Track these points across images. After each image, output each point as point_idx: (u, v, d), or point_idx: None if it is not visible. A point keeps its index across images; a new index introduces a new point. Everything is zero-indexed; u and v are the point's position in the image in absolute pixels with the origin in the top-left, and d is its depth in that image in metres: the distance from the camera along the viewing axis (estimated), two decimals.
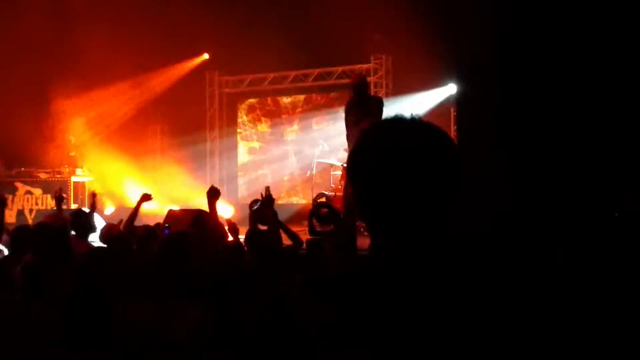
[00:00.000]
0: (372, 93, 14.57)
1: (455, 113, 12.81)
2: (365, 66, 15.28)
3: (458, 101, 11.30)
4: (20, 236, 6.25)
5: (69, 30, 14.10)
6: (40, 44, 14.02)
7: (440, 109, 14.01)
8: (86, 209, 9.46)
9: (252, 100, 17.26)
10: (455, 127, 12.41)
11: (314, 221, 8.27)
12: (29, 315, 4.14)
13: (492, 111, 9.11)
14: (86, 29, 13.76)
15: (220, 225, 8.95)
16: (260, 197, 9.54)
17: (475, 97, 9.64)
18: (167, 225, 8.13)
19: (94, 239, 7.21)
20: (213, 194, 7.02)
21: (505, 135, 8.91)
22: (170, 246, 5.26)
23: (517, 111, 8.84)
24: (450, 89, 13.77)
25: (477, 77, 9.41)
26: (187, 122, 16.63)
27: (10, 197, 14.43)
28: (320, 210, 9.00)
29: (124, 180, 15.95)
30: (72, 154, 15.27)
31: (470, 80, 9.81)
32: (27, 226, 6.89)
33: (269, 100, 17.00)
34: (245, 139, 17.36)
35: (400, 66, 14.62)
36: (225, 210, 15.31)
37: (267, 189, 7.11)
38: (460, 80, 10.45)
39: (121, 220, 7.59)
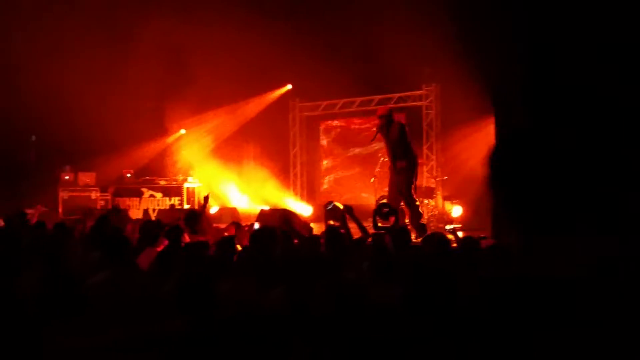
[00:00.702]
0: (423, 116, 14.62)
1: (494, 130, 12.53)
2: (417, 92, 15.18)
3: (496, 127, 11.08)
4: (146, 229, 6.43)
5: (183, 64, 14.36)
6: (160, 77, 14.36)
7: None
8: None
9: (326, 122, 17.31)
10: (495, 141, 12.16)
11: (377, 218, 8.24)
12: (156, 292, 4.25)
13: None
14: (196, 65, 14.01)
15: (303, 222, 9.01)
16: (332, 199, 9.56)
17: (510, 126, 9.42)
18: (255, 222, 8.29)
19: None
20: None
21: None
22: (259, 238, 5.34)
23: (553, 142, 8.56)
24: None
25: (512, 108, 9.18)
26: (274, 139, 16.80)
27: (137, 199, 14.85)
28: (382, 210, 8.96)
29: (225, 185, 16.20)
30: (180, 165, 15.66)
31: (506, 111, 9.59)
32: (151, 221, 7.06)
33: (340, 121, 17.01)
34: (321, 152, 17.40)
35: (448, 92, 14.44)
36: (305, 210, 15.39)
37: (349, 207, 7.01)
38: (497, 111, 10.24)
39: (227, 226, 7.74)
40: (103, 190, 15.64)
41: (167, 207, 14.28)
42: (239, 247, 6.06)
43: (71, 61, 13.92)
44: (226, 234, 7.08)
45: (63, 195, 15.01)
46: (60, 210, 14.63)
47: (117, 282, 4.33)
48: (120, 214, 7.86)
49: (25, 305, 3.32)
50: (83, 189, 15.38)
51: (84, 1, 13.96)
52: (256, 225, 8.20)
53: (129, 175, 15.91)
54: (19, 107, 14.17)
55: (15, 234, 5.57)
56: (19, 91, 14.08)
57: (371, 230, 7.76)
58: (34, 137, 16.37)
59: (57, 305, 4.19)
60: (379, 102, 15.78)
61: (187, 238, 6.11)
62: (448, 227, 9.27)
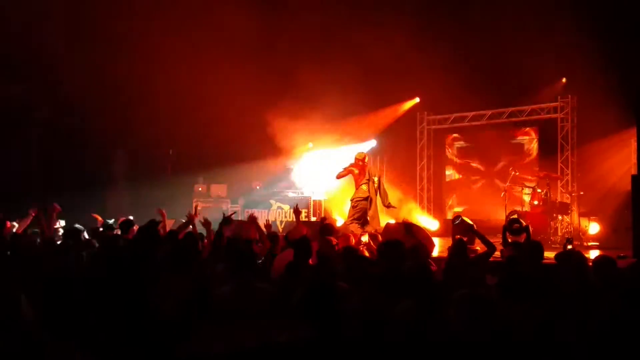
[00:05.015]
0: (558, 129, 14.17)
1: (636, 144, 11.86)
2: (552, 104, 14.63)
3: (638, 140, 10.52)
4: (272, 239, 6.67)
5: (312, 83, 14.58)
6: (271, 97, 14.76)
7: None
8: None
9: (455, 135, 17.05)
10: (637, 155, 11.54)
11: (507, 234, 8.02)
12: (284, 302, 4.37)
13: None
14: (324, 81, 14.19)
15: (428, 238, 8.91)
16: (460, 215, 9.42)
17: None
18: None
19: None
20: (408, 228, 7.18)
21: None
22: (386, 250, 5.35)
23: None
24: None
25: None
26: (401, 152, 16.79)
27: (265, 211, 15.27)
28: (512, 225, 8.72)
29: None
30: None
31: None
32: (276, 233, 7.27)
33: (469, 134, 16.70)
34: (449, 166, 17.15)
35: (584, 104, 13.81)
36: (431, 224, 15.21)
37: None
38: None
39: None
40: (234, 201, 16.27)
41: (293, 220, 14.57)
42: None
43: (208, 82, 14.63)
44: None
45: (198, 205, 15.69)
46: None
47: (242, 293, 4.46)
48: (232, 223, 8.09)
49: (158, 313, 3.49)
50: (215, 200, 16.06)
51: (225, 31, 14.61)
52: (364, 239, 8.26)
53: (258, 187, 16.44)
54: (160, 122, 15.05)
55: (148, 244, 5.80)
56: (160, 108, 14.99)
57: (500, 247, 7.57)
58: (171, 151, 17.29)
59: (189, 314, 4.41)
60: (511, 115, 15.39)
61: (315, 247, 6.22)
62: (569, 246, 8.87)
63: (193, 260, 4.97)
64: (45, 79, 14.98)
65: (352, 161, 11.54)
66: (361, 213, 11.21)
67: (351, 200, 11.47)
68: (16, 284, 3.62)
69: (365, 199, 11.23)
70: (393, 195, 16.18)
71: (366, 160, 11.59)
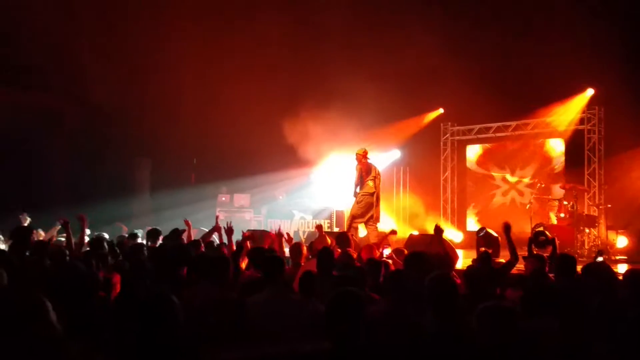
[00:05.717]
0: (585, 140, 13.98)
1: None
2: (579, 116, 14.44)
3: None
4: (294, 249, 6.66)
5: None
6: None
7: None
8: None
9: (479, 146, 16.91)
10: None
11: (532, 247, 7.93)
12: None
13: None
14: (351, 92, 14.17)
15: (452, 250, 8.84)
16: (483, 226, 9.32)
17: None
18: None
19: None
20: (438, 231, 7.10)
21: None
22: (412, 261, 5.31)
23: None
24: None
25: None
26: (425, 163, 16.68)
27: (288, 221, 15.26)
28: (538, 238, 8.64)
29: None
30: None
31: None
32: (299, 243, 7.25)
33: (494, 145, 16.56)
34: (473, 177, 17.00)
35: (612, 115, 13.62)
36: (455, 236, 15.09)
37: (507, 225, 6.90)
38: None
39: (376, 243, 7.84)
40: (257, 211, 16.30)
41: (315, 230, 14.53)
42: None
43: (232, 92, 14.72)
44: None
45: (219, 215, 15.76)
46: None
47: (274, 302, 4.46)
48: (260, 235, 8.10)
49: (184, 321, 3.46)
50: (238, 209, 16.10)
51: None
52: (386, 251, 8.21)
53: (281, 197, 16.45)
54: (184, 132, 15.13)
55: (171, 253, 5.78)
56: (184, 118, 15.07)
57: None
58: (195, 160, 17.41)
59: (218, 322, 4.39)
60: (536, 126, 15.23)
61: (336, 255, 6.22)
62: (599, 258, 8.73)
63: (223, 269, 4.96)
64: (72, 90, 15.20)
65: (355, 161, 11.39)
66: (365, 209, 11.04)
67: (355, 195, 11.30)
68: (40, 289, 3.65)
69: (372, 194, 11.08)
70: (417, 206, 16.18)
71: (368, 154, 11.34)
